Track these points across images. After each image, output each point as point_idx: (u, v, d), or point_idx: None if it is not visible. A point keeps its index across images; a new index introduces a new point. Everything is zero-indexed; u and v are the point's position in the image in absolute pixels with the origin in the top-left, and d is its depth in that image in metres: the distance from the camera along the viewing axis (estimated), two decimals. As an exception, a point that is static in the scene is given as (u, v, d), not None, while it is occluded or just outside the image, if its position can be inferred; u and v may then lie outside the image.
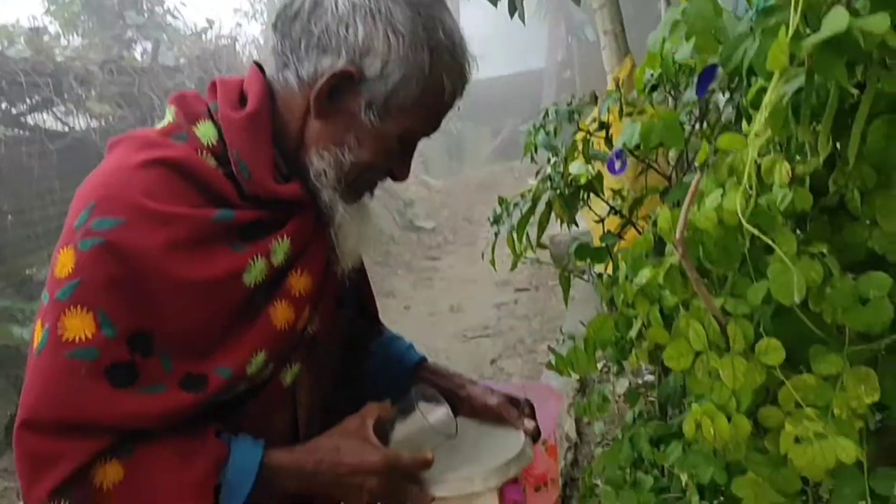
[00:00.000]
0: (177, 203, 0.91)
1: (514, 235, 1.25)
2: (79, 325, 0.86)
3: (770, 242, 0.67)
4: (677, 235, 0.69)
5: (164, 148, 0.94)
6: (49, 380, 0.86)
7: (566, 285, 1.51)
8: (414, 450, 0.96)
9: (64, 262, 0.88)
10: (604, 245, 1.22)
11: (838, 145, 0.74)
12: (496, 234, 1.34)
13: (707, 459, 0.92)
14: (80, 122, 6.15)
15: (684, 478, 0.93)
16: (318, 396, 1.12)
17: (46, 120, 6.01)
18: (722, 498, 0.99)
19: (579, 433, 2.63)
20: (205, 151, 0.95)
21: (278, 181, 0.97)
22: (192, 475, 0.90)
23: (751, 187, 0.73)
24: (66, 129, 6.10)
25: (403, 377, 1.23)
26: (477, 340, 5.43)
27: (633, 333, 0.83)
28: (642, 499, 0.95)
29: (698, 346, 0.72)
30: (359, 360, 1.26)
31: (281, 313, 0.98)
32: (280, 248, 0.96)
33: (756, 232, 0.65)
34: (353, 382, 1.24)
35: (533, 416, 1.13)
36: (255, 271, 0.94)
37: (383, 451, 0.95)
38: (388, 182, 1.05)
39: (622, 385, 2.80)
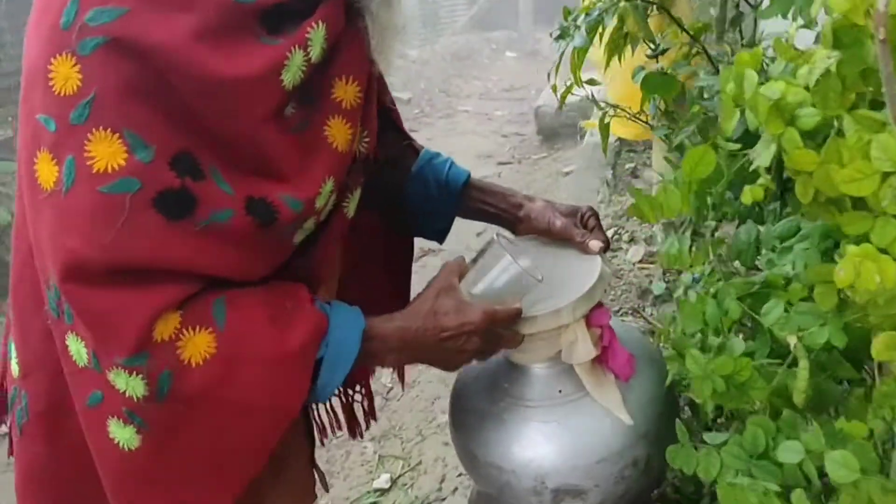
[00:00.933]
0: None
1: (576, 56, 1.05)
2: (107, 152, 0.69)
3: None
4: (881, 7, 0.50)
5: None
6: (89, 220, 0.70)
7: (605, 132, 1.33)
8: (499, 297, 0.89)
9: (65, 73, 0.69)
10: (673, 73, 1.04)
11: None
12: (562, 54, 1.14)
13: (820, 319, 0.78)
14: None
15: (793, 341, 0.78)
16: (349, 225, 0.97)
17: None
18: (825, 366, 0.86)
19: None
20: None
21: None
22: (291, 349, 0.77)
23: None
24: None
25: (451, 199, 1.09)
26: (461, 213, 5.30)
27: (764, 162, 0.66)
28: (738, 364, 0.81)
29: (886, 166, 0.55)
30: (399, 183, 1.10)
31: (339, 133, 0.82)
32: (316, 37, 0.76)
33: None
34: (393, 206, 1.10)
35: (598, 225, 1.03)
36: (294, 68, 0.75)
37: (481, 307, 0.87)
38: None
39: (637, 253, 2.66)
